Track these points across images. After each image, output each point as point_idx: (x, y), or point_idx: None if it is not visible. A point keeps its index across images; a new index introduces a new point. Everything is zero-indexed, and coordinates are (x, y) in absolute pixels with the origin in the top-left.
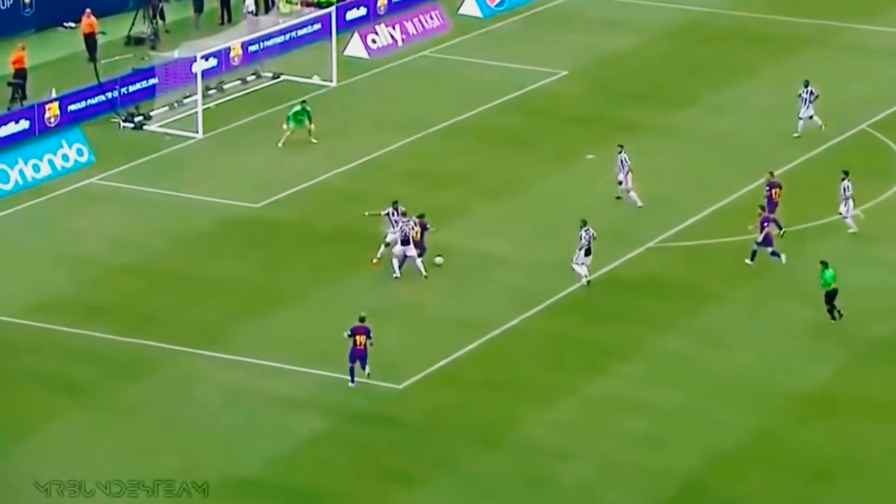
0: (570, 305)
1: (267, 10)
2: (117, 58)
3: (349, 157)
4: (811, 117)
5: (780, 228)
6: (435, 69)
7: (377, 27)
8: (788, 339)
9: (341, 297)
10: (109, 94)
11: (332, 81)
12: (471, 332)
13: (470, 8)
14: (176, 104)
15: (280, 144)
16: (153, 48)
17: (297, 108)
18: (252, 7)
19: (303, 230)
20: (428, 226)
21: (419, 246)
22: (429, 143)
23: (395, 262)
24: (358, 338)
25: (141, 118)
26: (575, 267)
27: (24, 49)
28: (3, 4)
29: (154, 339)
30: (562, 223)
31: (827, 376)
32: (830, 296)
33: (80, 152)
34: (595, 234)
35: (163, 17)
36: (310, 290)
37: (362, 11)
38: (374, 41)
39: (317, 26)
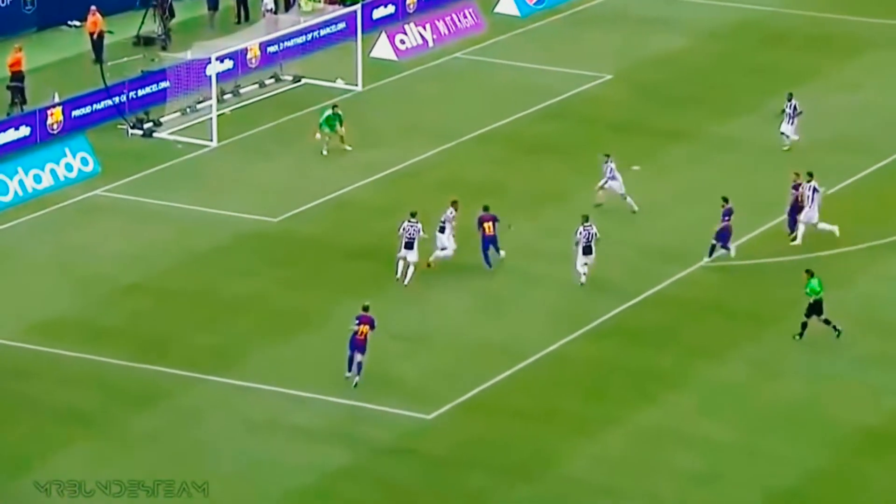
0: (614, 329)
1: (287, 8)
2: (125, 59)
3: (375, 167)
4: (787, 135)
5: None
6: (468, 72)
7: (406, 27)
8: (853, 366)
9: None
10: (116, 99)
11: (357, 85)
12: (506, 358)
13: (507, 6)
14: (188, 109)
15: (325, 152)
16: (164, 49)
17: (329, 112)
18: (271, 5)
19: (325, 246)
20: (498, 217)
21: (493, 241)
22: (462, 152)
23: (402, 266)
24: (362, 327)
25: (150, 125)
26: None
27: (20, 50)
28: (3, 2)
29: (165, 364)
30: (606, 240)
31: (895, 407)
32: (816, 307)
33: (84, 161)
34: (597, 232)
35: (172, 14)
36: (333, 312)
37: (390, 9)
38: (402, 42)
39: (341, 25)
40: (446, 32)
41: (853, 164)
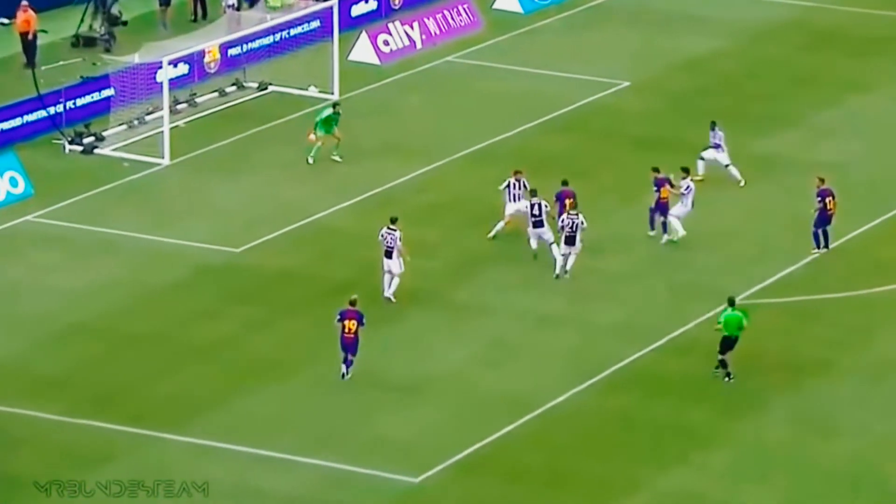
0: (635, 377)
1: (252, 4)
2: (62, 63)
3: (354, 188)
4: (727, 166)
5: (827, 246)
6: (463, 78)
7: (390, 25)
8: None
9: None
10: (52, 109)
11: (333, 93)
12: (510, 410)
13: (507, 1)
14: (136, 122)
15: (310, 160)
16: (107, 51)
17: (328, 111)
18: (233, 0)
19: (297, 281)
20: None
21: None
22: (455, 171)
23: (387, 279)
24: (347, 323)
25: (92, 139)
26: (554, 252)
27: None
28: None
29: (114, 420)
30: (625, 274)
31: None
32: (726, 344)
33: (13, 182)
34: (583, 221)
35: (106, 11)
36: (309, 358)
37: (372, 5)
38: (386, 43)
39: (314, 24)
40: (437, 32)
41: None
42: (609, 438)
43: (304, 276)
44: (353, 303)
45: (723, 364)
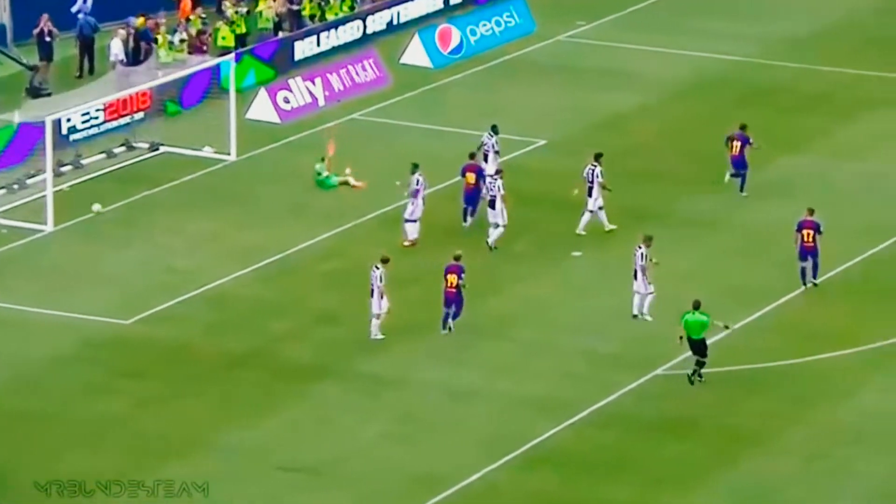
0: (554, 454)
1: (141, 59)
2: None
3: (255, 254)
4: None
5: (815, 277)
6: (369, 137)
7: (291, 81)
8: (861, 501)
9: (251, 448)
10: None
11: (229, 154)
12: (421, 490)
13: (416, 55)
14: (16, 185)
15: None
16: None
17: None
18: (121, 55)
19: (194, 354)
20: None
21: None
22: (361, 235)
23: (374, 324)
24: (449, 277)
25: None
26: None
27: None
28: None
29: None
30: (543, 344)
31: None
32: (696, 347)
33: None
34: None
35: (31, 84)
36: (206, 436)
37: None
38: (286, 100)
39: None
40: (341, 88)
41: (854, 245)
42: None
43: (200, 348)
44: (457, 258)
45: (699, 365)
